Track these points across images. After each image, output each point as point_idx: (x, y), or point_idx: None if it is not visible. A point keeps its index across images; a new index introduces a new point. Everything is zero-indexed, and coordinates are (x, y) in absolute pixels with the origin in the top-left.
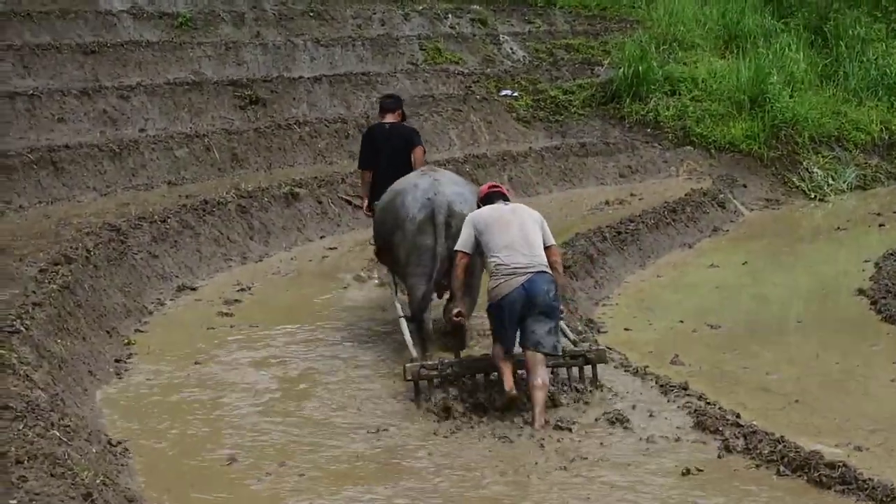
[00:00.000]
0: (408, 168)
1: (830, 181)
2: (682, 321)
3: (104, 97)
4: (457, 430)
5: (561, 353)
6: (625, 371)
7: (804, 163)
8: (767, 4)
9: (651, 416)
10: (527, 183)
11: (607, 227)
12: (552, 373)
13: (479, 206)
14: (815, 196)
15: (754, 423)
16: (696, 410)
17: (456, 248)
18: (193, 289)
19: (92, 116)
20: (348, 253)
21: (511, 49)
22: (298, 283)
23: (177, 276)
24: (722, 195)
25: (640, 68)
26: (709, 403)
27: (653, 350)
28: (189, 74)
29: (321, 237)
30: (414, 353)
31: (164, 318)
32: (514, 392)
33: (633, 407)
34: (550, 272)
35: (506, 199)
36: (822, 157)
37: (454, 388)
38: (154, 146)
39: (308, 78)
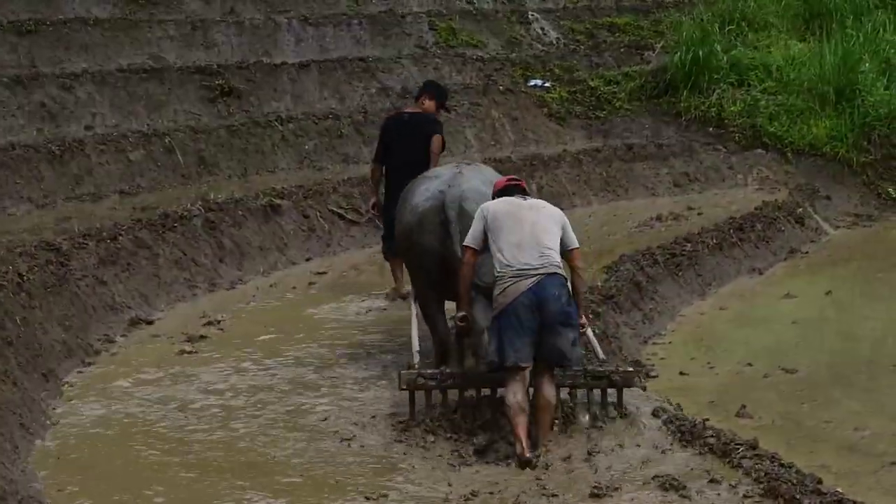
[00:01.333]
0: (424, 164)
1: None
2: (750, 364)
3: (42, 87)
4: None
5: (582, 370)
6: (680, 425)
7: None
8: None
9: (712, 481)
10: (561, 193)
11: (659, 248)
12: (569, 393)
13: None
14: None
15: (839, 490)
16: (767, 474)
17: (464, 242)
18: (150, 322)
19: (27, 110)
20: (340, 278)
21: (542, 29)
22: (278, 316)
23: (129, 308)
24: (800, 209)
25: (701, 53)
26: (783, 466)
27: (714, 399)
28: (147, 59)
29: (307, 259)
30: (416, 359)
31: (112, 359)
32: (528, 455)
33: (691, 469)
34: (563, 274)
35: (525, 194)
36: None
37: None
38: (103, 147)
39: (293, 64)
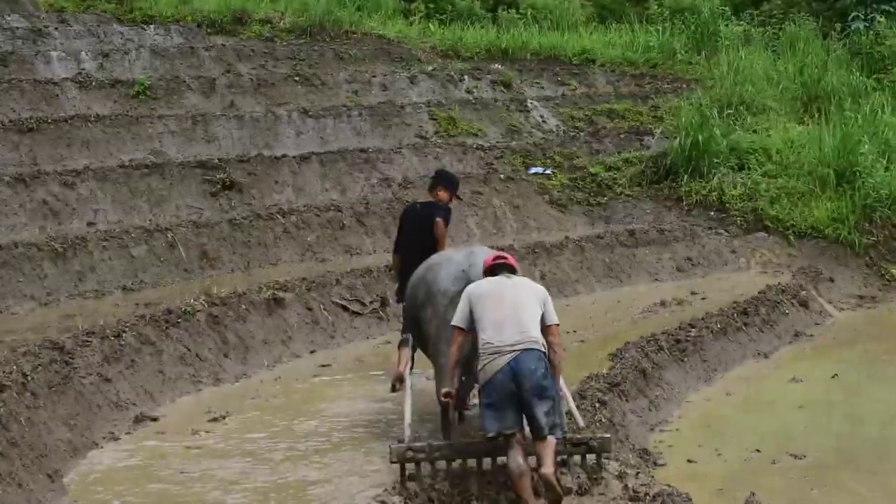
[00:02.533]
0: (431, 248)
1: None
2: (758, 450)
3: (44, 184)
4: None
5: (564, 434)
6: None
7: None
8: (855, 58)
9: None
10: (563, 280)
11: (663, 333)
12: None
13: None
14: None
15: None
16: None
17: (452, 323)
18: (154, 419)
19: (29, 208)
20: (345, 371)
21: (541, 117)
22: (285, 410)
23: (134, 404)
24: (804, 292)
25: (701, 138)
26: None
27: (722, 487)
28: (148, 155)
29: (311, 352)
30: (407, 432)
31: (116, 455)
32: None
33: None
34: (541, 349)
35: (512, 271)
36: None
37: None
38: (105, 244)
39: (294, 157)
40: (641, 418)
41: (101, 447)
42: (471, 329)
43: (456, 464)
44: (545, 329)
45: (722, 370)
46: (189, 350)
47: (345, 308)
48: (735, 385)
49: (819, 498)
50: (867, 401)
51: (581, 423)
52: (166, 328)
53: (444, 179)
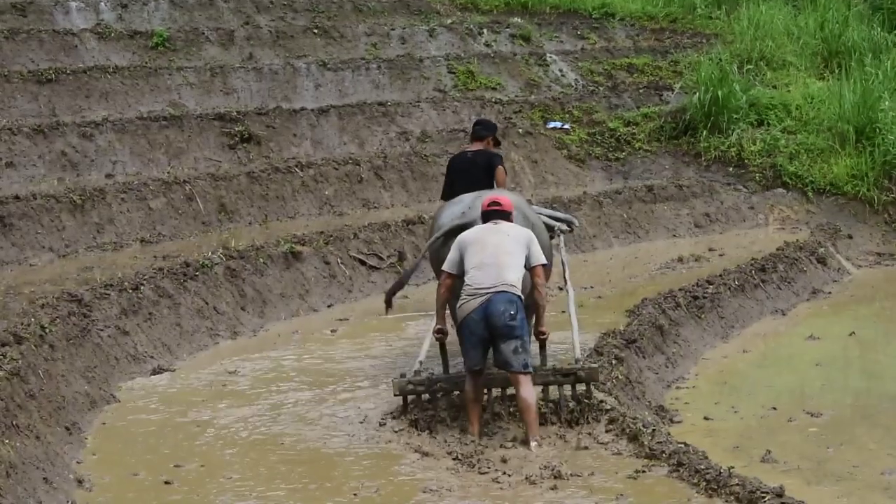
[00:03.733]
0: None
1: None
2: (774, 407)
3: (63, 136)
4: None
5: (532, 371)
6: (704, 472)
7: None
8: (876, 13)
9: None
10: (581, 236)
11: (681, 290)
12: (543, 391)
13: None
14: None
15: None
16: None
17: (442, 268)
18: (172, 371)
19: (48, 160)
20: (361, 325)
21: (560, 71)
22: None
23: (151, 357)
24: (822, 249)
25: (720, 93)
26: None
27: (738, 444)
28: (166, 106)
29: (329, 306)
30: (415, 367)
31: (134, 409)
32: (476, 436)
33: None
34: (514, 293)
35: (507, 216)
36: None
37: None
38: (124, 196)
39: (312, 109)
40: (658, 375)
41: (119, 400)
42: (461, 274)
43: (455, 395)
44: (530, 270)
45: (739, 327)
46: (206, 303)
47: (362, 262)
48: (752, 342)
49: (836, 456)
50: (884, 357)
51: (578, 355)
52: (184, 281)
53: (489, 128)
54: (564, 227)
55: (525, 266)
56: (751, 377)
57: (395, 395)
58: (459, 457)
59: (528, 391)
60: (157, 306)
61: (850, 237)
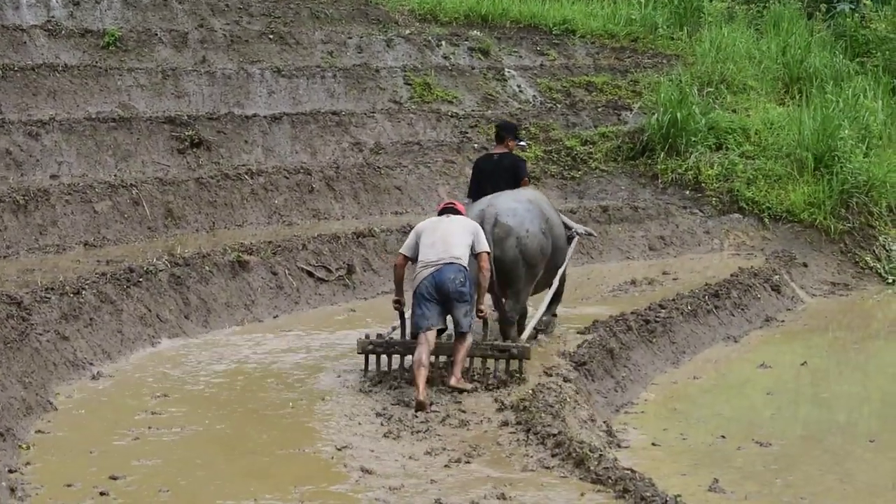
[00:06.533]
0: None
1: None
2: (723, 436)
3: (7, 134)
4: None
5: (470, 329)
6: (651, 499)
7: (881, 238)
8: (839, 40)
9: None
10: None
11: (633, 313)
12: (483, 363)
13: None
14: (894, 280)
15: None
16: None
17: (400, 250)
18: (111, 377)
19: None
20: (306, 337)
21: (518, 86)
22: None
23: (91, 364)
24: (777, 276)
25: (679, 115)
26: None
27: (686, 472)
28: (116, 108)
29: (274, 317)
30: (384, 332)
31: (72, 417)
32: (423, 398)
33: None
34: (461, 264)
35: (458, 213)
36: None
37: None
38: (69, 197)
39: (264, 116)
40: (607, 399)
41: (56, 407)
42: (414, 257)
43: (408, 357)
44: (477, 256)
45: (690, 353)
46: (149, 310)
47: (310, 274)
48: (703, 368)
49: (785, 486)
50: (836, 390)
51: (523, 339)
52: (127, 287)
53: (509, 129)
54: (582, 230)
55: (472, 252)
56: (700, 404)
57: (358, 353)
58: (397, 487)
59: (466, 342)
60: (98, 312)
61: (806, 265)
